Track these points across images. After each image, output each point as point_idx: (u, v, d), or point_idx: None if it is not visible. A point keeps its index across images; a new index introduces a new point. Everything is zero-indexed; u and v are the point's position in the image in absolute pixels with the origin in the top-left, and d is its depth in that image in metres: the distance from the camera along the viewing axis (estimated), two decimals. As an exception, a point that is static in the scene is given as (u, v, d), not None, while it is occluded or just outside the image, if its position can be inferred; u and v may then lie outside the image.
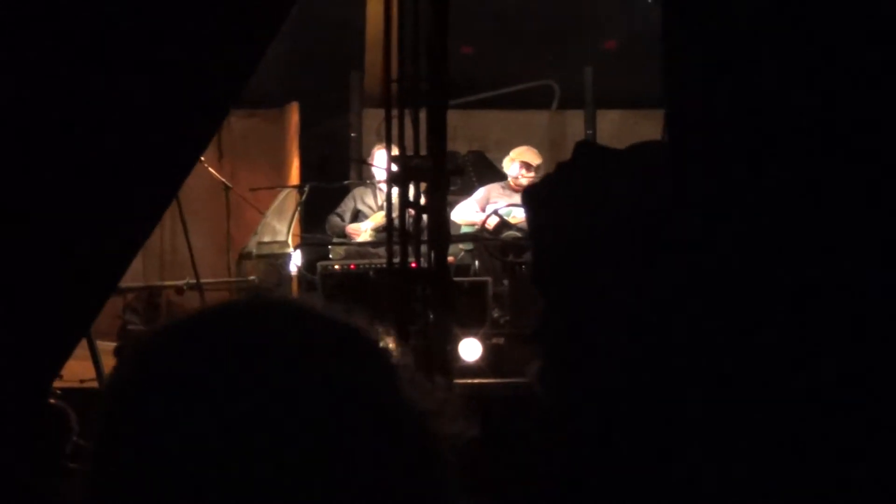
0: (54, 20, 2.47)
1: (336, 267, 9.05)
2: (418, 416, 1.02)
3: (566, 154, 1.64)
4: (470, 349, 7.90)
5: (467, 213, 9.86)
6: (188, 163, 2.84)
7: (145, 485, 0.96)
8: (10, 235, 2.61)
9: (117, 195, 2.65)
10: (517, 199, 9.84)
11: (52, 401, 4.66)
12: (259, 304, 1.07)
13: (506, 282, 8.91)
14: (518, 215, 9.71)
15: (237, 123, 10.93)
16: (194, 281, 9.24)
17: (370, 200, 9.85)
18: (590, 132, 10.82)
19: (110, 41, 2.52)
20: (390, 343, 1.05)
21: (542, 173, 10.00)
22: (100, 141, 2.58)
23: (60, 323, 2.78)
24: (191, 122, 2.73)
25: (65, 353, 2.99)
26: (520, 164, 9.91)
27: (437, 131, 5.59)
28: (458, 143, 9.89)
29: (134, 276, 9.33)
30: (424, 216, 5.94)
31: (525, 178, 9.86)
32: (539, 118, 11.47)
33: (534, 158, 9.93)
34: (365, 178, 10.32)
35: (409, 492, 0.99)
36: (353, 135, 11.15)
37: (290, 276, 9.51)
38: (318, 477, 0.95)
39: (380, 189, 9.64)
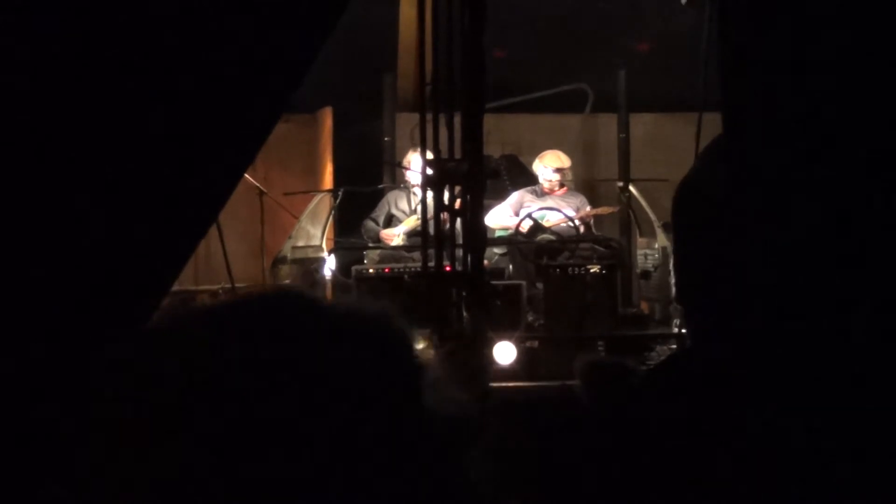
0: (108, 23, 2.47)
1: (370, 271, 9.07)
2: (437, 419, 1.02)
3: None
4: (505, 353, 7.89)
5: (501, 217, 9.88)
6: (235, 176, 2.84)
7: (181, 474, 0.97)
8: (60, 256, 2.61)
9: (166, 210, 2.66)
10: (550, 202, 9.86)
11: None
12: (280, 296, 1.08)
13: (540, 285, 8.90)
14: (551, 219, 9.71)
15: (271, 128, 10.92)
16: (229, 285, 9.28)
17: (403, 205, 9.87)
18: (622, 136, 10.79)
19: (161, 50, 2.52)
20: (423, 346, 1.06)
21: (570, 177, 10.04)
22: (147, 152, 2.58)
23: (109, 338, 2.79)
24: (239, 136, 2.73)
25: None
26: (547, 168, 9.95)
27: (474, 134, 5.59)
28: (491, 147, 9.89)
29: (169, 280, 9.33)
30: (458, 220, 5.94)
31: (554, 183, 9.89)
32: (572, 122, 11.45)
33: (559, 162, 9.95)
34: (399, 183, 10.35)
35: (423, 490, 0.99)
36: (386, 139, 11.16)
37: (324, 281, 9.53)
38: (333, 469, 0.96)
39: (413, 193, 9.66)
